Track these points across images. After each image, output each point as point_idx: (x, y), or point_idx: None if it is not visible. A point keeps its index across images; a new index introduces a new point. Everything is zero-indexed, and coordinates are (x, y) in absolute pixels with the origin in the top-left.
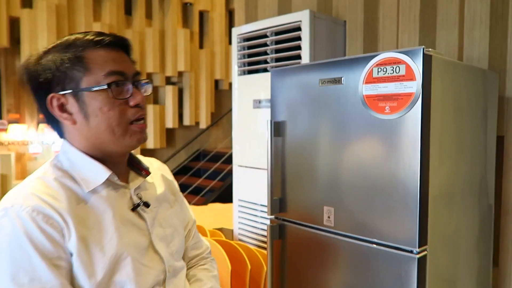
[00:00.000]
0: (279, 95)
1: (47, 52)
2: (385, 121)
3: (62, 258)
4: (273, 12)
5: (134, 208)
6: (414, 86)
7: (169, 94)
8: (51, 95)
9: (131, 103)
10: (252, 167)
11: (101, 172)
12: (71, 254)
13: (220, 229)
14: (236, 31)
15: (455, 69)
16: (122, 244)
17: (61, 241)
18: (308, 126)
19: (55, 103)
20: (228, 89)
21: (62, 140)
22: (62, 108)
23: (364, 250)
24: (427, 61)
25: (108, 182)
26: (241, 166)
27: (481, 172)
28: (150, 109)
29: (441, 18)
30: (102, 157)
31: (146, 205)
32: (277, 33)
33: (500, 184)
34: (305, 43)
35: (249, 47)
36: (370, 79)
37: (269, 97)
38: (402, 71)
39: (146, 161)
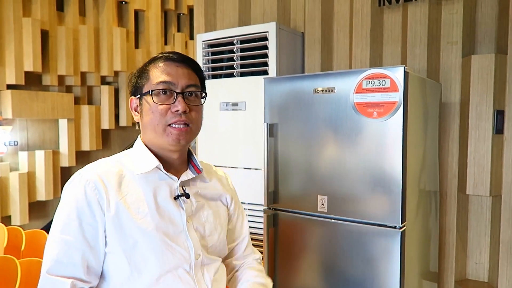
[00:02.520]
0: (271, 101)
1: (140, 67)
2: (373, 123)
3: (89, 223)
4: (233, 21)
5: (177, 197)
6: (397, 96)
7: (104, 94)
8: (131, 98)
9: (172, 109)
10: (220, 167)
11: (151, 161)
12: (105, 223)
13: None
14: (201, 38)
15: (420, 82)
16: (155, 222)
17: (97, 208)
18: (302, 128)
19: (132, 104)
20: None
21: None
22: (136, 109)
23: (355, 230)
24: (406, 76)
25: (157, 171)
26: None
27: (431, 165)
28: (85, 110)
29: (387, 36)
30: (158, 152)
31: (187, 196)
32: (242, 42)
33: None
34: (271, 52)
35: (214, 53)
36: (360, 90)
37: (235, 100)
38: (387, 84)
39: (211, 167)
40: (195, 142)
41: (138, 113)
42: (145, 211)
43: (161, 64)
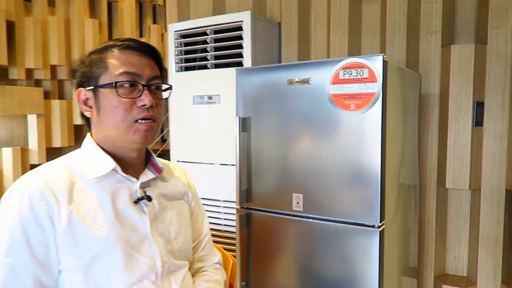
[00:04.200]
0: (244, 93)
1: (88, 54)
2: (350, 116)
3: (38, 240)
4: (207, 11)
5: (137, 201)
6: (376, 87)
7: None
8: (79, 89)
9: (138, 103)
10: (193, 162)
11: (107, 164)
12: (56, 237)
13: None
14: (173, 28)
15: (400, 72)
16: (114, 232)
17: (47, 222)
18: (276, 122)
19: (81, 97)
20: None
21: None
22: (86, 102)
23: (332, 229)
24: (385, 66)
25: (114, 174)
26: (180, 161)
27: (411, 158)
28: (56, 105)
29: (366, 25)
30: (114, 152)
31: (149, 199)
32: (216, 32)
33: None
34: (246, 43)
35: (186, 44)
36: (336, 80)
37: (210, 93)
38: (365, 74)
39: (169, 165)
40: (163, 139)
41: (91, 107)
42: (103, 219)
43: (120, 53)
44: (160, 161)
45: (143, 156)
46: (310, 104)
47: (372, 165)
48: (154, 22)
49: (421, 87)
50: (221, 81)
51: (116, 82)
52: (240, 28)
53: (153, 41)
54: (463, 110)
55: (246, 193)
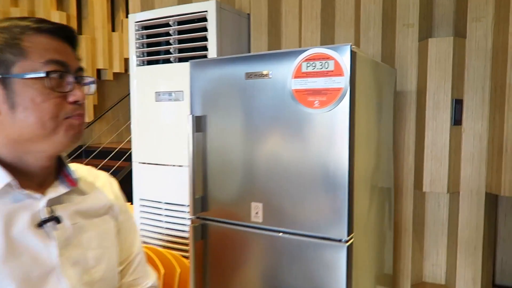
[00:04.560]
0: (199, 88)
1: None
2: (314, 115)
3: None
4: (172, 0)
5: (41, 224)
6: (342, 81)
7: None
8: None
9: (70, 98)
10: (156, 164)
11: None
12: None
13: None
14: (134, 18)
15: (372, 66)
16: (7, 268)
17: None
18: (234, 121)
19: None
20: (112, 80)
21: None
22: None
23: (295, 243)
24: (353, 57)
25: (8, 191)
26: (142, 163)
27: (386, 160)
28: None
29: (339, 17)
30: (14, 161)
31: (57, 220)
32: (180, 23)
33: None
34: (211, 35)
35: (149, 36)
36: (299, 74)
37: (174, 89)
38: (331, 67)
39: (89, 174)
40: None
41: None
42: None
43: (39, 36)
44: (77, 170)
45: (53, 165)
46: (270, 101)
47: (339, 170)
48: (127, 16)
49: (396, 83)
50: (185, 76)
51: (48, 72)
52: (204, 19)
53: (127, 36)
54: (441, 108)
55: (201, 201)
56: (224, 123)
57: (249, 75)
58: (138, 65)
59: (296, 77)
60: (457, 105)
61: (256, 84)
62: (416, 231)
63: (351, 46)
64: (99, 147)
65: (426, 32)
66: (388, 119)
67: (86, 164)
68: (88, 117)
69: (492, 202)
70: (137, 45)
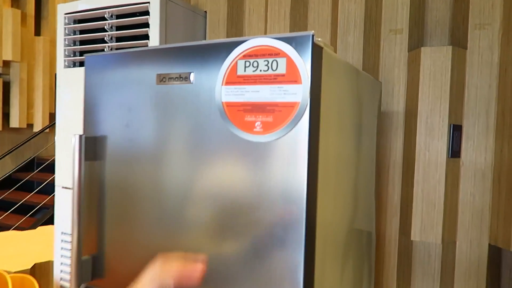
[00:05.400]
0: (95, 96)
1: None
2: (255, 144)
3: None
4: None
5: None
6: (300, 92)
7: None
8: None
9: None
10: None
11: None
12: None
13: (47, 263)
14: (63, 9)
15: (349, 72)
16: None
17: None
18: (142, 146)
19: None
20: None
21: None
22: None
23: None
24: (317, 55)
25: None
26: (67, 188)
27: (366, 199)
28: None
29: (312, 18)
30: None
31: None
32: (119, 16)
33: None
34: (154, 31)
35: (82, 31)
36: (233, 78)
37: None
38: (282, 68)
39: None
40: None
41: None
42: None
43: None
44: None
45: None
46: (192, 118)
47: (294, 222)
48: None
49: (381, 100)
50: None
51: None
52: (146, 13)
53: None
54: (435, 135)
55: (91, 264)
56: (130, 149)
57: (161, 78)
58: (68, 66)
59: (228, 82)
60: (456, 132)
61: (172, 91)
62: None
63: (313, 36)
64: (51, 158)
65: (417, 40)
66: (370, 146)
67: (35, 177)
68: (42, 124)
69: (495, 255)
70: (67, 42)
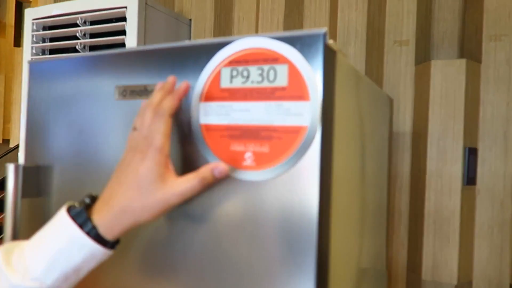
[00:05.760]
0: (41, 115)
1: None
2: (243, 183)
3: None
4: None
5: None
6: (307, 112)
7: None
8: None
9: None
10: None
11: None
12: None
13: None
14: (31, 14)
15: (363, 84)
16: None
17: None
18: (98, 176)
19: None
20: None
21: None
22: None
23: None
24: (329, 61)
25: None
26: None
27: (378, 240)
28: None
29: (309, 26)
30: None
31: None
32: (93, 23)
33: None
34: (131, 39)
35: (53, 39)
36: (215, 92)
37: None
38: (282, 79)
39: None
40: None
41: None
42: None
43: None
44: None
45: None
46: None
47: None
48: None
49: (392, 119)
50: None
51: None
52: (123, 19)
53: None
54: (448, 160)
55: None
56: (83, 182)
57: (122, 92)
58: None
59: (208, 98)
60: (471, 156)
61: (136, 109)
62: None
63: (325, 35)
64: None
65: (424, 53)
66: (382, 174)
67: None
68: (20, 140)
69: None
70: (34, 51)
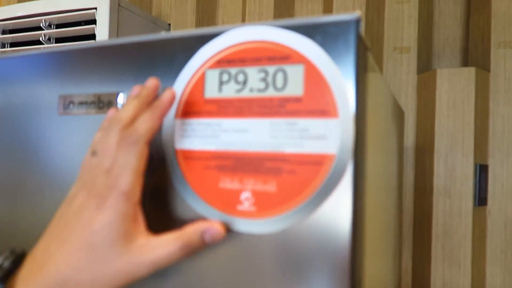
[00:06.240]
0: None
1: None
2: (239, 237)
3: None
4: None
5: None
6: (334, 135)
7: None
8: None
9: None
10: None
11: None
12: None
13: None
14: None
15: (388, 92)
16: None
17: None
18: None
19: None
20: None
21: None
22: None
23: None
24: (362, 60)
25: None
26: None
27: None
28: None
29: None
30: None
31: None
32: (59, 26)
33: None
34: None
35: (13, 44)
36: (197, 105)
37: None
38: (295, 86)
39: None
40: None
41: None
42: None
43: None
44: None
45: None
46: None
47: None
48: None
49: (403, 133)
50: None
51: None
52: (93, 21)
53: None
54: (458, 179)
55: None
56: (10, 222)
57: (67, 103)
58: None
59: (186, 113)
60: (482, 174)
61: (85, 126)
62: None
63: (358, 22)
64: None
65: (426, 60)
66: (399, 195)
67: None
68: None
69: None
70: None
